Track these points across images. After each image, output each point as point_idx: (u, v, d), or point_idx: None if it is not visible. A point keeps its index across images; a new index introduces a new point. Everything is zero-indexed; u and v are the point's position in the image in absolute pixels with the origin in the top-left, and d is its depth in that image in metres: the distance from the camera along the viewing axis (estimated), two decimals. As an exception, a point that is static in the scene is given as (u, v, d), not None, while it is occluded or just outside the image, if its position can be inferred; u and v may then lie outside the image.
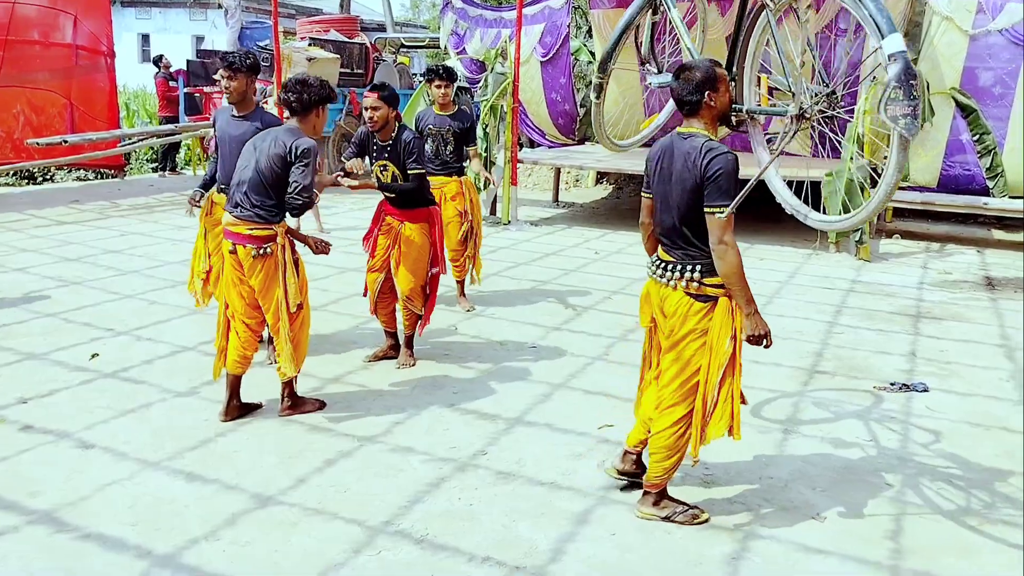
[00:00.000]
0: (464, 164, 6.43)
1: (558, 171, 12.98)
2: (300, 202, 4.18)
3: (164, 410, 4.46)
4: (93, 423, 4.23)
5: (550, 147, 13.20)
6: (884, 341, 5.98)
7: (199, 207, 5.33)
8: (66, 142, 11.15)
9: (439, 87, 6.12)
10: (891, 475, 3.90)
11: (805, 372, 5.28)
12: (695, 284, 3.28)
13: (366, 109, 5.00)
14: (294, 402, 4.46)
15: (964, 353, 5.74)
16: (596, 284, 7.50)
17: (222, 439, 4.11)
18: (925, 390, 4.98)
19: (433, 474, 3.80)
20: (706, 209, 3.19)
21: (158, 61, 14.25)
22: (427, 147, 6.07)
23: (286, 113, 4.32)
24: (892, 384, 5.05)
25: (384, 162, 5.08)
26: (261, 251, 4.20)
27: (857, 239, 8.85)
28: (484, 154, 10.53)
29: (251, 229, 4.20)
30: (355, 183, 4.93)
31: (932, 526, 3.47)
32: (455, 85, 6.29)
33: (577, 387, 4.94)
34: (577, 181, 14.48)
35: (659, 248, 3.48)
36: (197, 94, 13.50)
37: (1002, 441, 4.32)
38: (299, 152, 4.13)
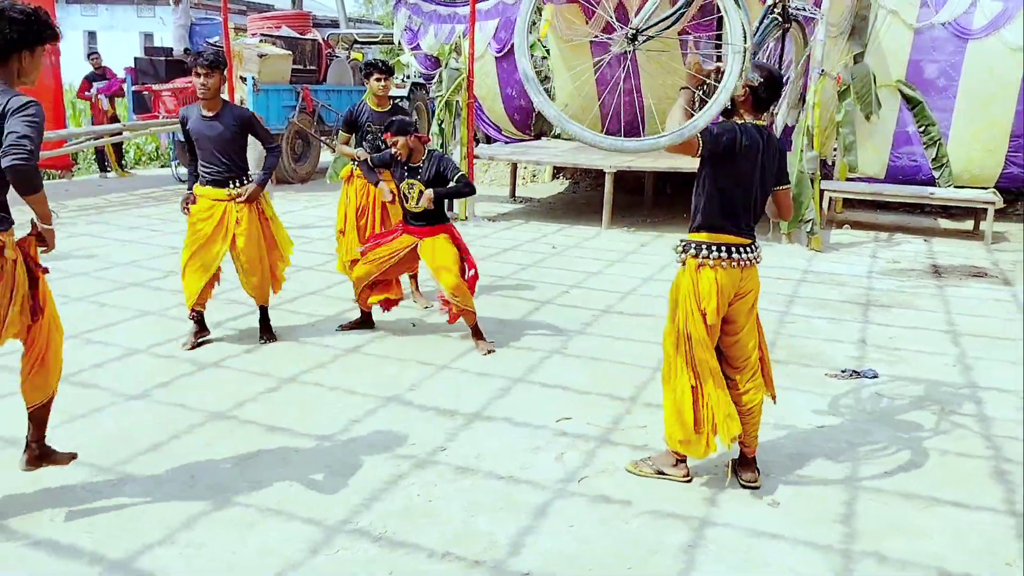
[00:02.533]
0: None
1: (515, 166, 13.00)
2: (23, 154, 2.88)
3: (116, 414, 4.38)
4: (42, 429, 4.13)
5: (506, 142, 13.21)
6: (835, 329, 6.10)
7: (188, 209, 5.38)
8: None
9: (379, 80, 6.12)
10: (842, 460, 3.99)
11: (759, 361, 5.35)
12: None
13: (392, 145, 5.35)
14: (43, 452, 3.52)
15: (912, 340, 5.87)
16: (554, 279, 7.53)
17: (176, 441, 4.05)
18: (875, 376, 5.09)
19: (391, 471, 3.79)
20: (783, 187, 3.74)
21: (91, 57, 13.67)
22: (366, 143, 6.15)
23: None
24: (843, 371, 5.15)
25: (412, 181, 5.39)
26: None
27: (808, 230, 9.00)
28: (440, 150, 10.50)
29: None
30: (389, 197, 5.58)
31: (882, 509, 3.55)
32: (393, 79, 6.40)
33: (535, 381, 4.96)
34: (534, 176, 14.51)
35: (726, 235, 3.61)
36: (146, 92, 13.25)
37: (949, 425, 4.43)
38: (17, 104, 2.95)
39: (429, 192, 5.29)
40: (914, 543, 3.28)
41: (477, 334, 5.52)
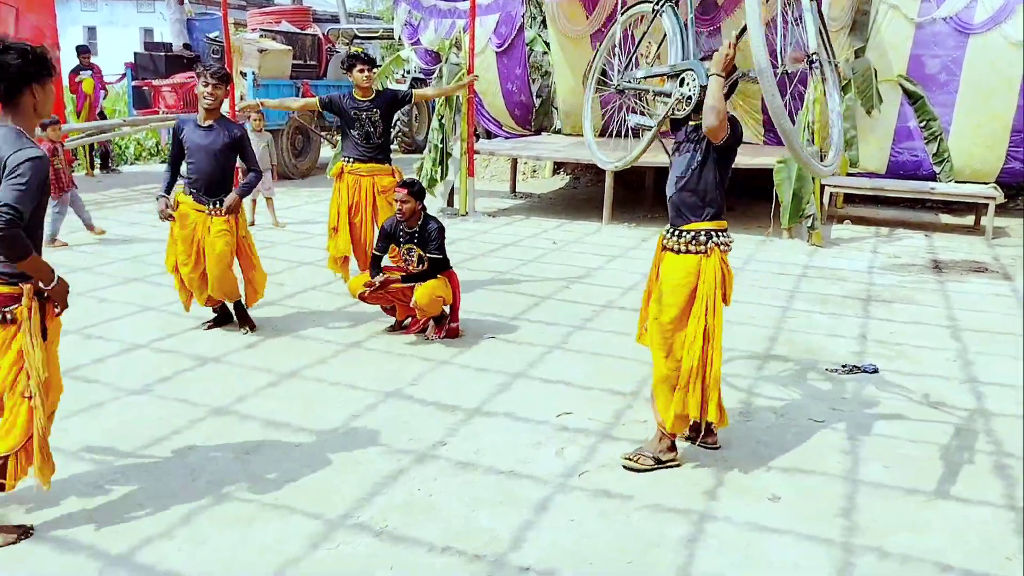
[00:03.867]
0: (392, 146, 6.69)
1: (515, 162, 12.99)
2: (0, 224, 2.83)
3: (117, 409, 4.38)
4: (43, 424, 4.13)
5: (507, 138, 13.20)
6: (836, 324, 6.09)
7: (172, 216, 5.38)
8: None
9: (362, 71, 6.12)
10: (843, 455, 3.99)
11: (759, 356, 5.36)
12: None
13: (396, 202, 5.46)
14: None
15: (912, 335, 5.87)
16: (554, 274, 7.53)
17: (177, 436, 4.05)
18: (875, 371, 5.09)
19: (392, 466, 3.79)
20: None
21: (79, 53, 13.43)
22: (355, 132, 6.15)
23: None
24: (843, 366, 5.15)
25: (411, 246, 5.54)
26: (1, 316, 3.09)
27: (809, 225, 8.99)
28: (440, 145, 10.50)
29: None
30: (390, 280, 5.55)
31: (883, 504, 3.55)
32: (375, 70, 6.52)
33: (535, 376, 4.96)
34: (534, 172, 14.50)
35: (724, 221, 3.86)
36: (146, 88, 13.23)
37: (949, 419, 4.43)
38: (13, 164, 2.91)
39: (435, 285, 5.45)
40: (915, 538, 3.29)
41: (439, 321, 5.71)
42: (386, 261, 5.83)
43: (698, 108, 3.69)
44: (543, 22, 13.29)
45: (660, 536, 3.26)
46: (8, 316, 3.06)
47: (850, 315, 6.35)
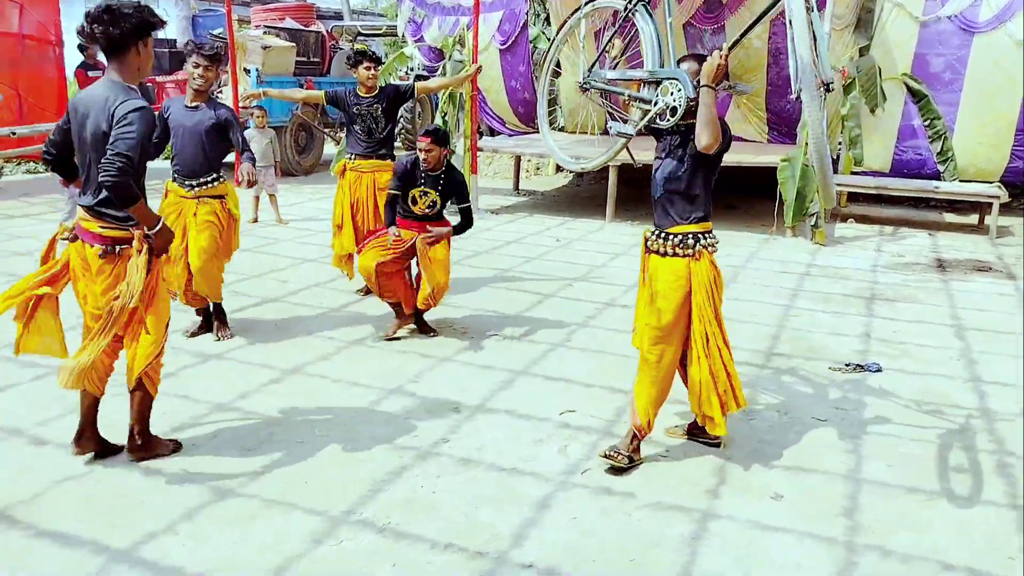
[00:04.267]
0: (396, 143, 6.66)
1: (518, 159, 12.98)
2: (113, 172, 3.12)
3: (119, 405, 4.38)
4: (47, 419, 4.15)
5: (510, 135, 13.19)
6: (839, 323, 6.09)
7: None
8: (15, 134, 10.87)
9: (368, 68, 6.13)
10: (846, 454, 3.98)
11: (762, 355, 5.35)
12: None
13: (421, 151, 5.32)
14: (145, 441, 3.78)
15: (916, 333, 5.86)
16: (557, 271, 7.53)
17: (179, 433, 4.05)
18: (879, 370, 5.08)
19: (394, 463, 3.79)
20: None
21: (82, 49, 13.35)
22: (357, 128, 6.16)
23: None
24: (847, 365, 5.15)
25: (426, 188, 5.41)
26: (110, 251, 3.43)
27: (813, 224, 8.98)
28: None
29: (102, 228, 3.42)
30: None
31: (886, 503, 3.54)
32: (380, 67, 6.55)
33: (538, 374, 4.96)
34: (538, 169, 14.49)
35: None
36: (149, 84, 13.24)
37: (952, 419, 4.42)
38: (121, 114, 3.18)
39: (448, 231, 5.41)
40: (917, 537, 3.28)
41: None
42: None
43: (684, 116, 3.65)
44: (547, 19, 13.28)
45: (662, 534, 3.26)
46: (117, 251, 3.42)
47: (853, 314, 6.35)
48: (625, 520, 3.36)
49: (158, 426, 4.11)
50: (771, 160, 9.52)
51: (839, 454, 3.98)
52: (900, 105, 10.12)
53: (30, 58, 12.30)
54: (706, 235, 3.73)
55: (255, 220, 9.28)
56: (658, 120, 3.75)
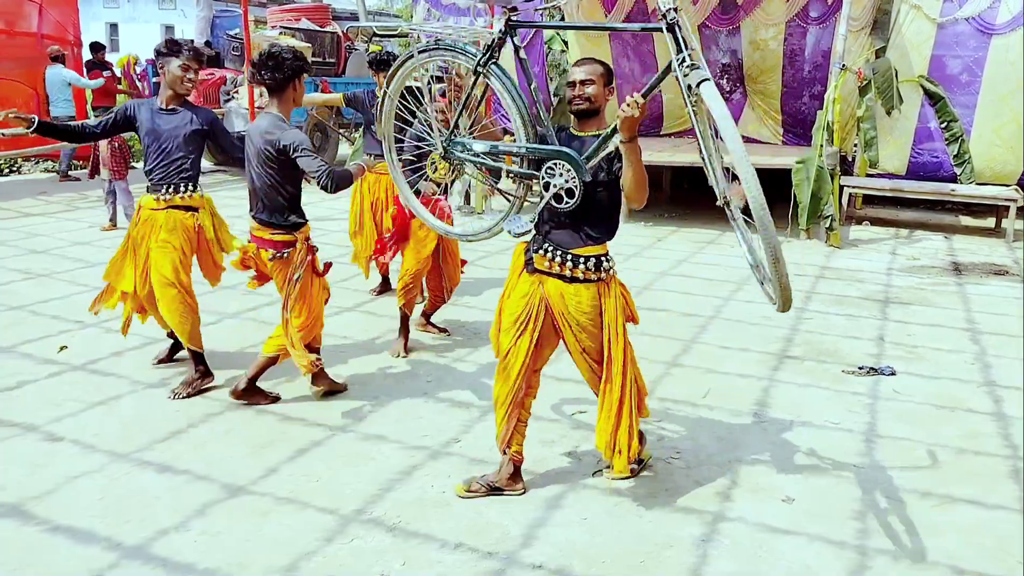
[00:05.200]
0: None
1: (532, 160, 12.97)
2: (324, 184, 3.93)
3: (134, 402, 4.43)
4: (61, 416, 4.19)
5: (524, 136, 13.17)
6: (853, 326, 6.06)
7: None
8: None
9: None
10: (858, 457, 3.96)
11: (774, 357, 5.33)
12: None
13: (439, 112, 5.22)
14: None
15: (931, 337, 5.83)
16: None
17: (193, 430, 4.08)
18: (892, 373, 5.06)
19: (405, 462, 3.80)
20: None
21: (94, 50, 13.41)
22: (375, 130, 6.13)
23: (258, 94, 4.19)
24: (860, 368, 5.12)
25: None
26: (280, 255, 4.24)
27: (827, 226, 8.93)
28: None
29: (272, 234, 4.21)
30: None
31: (898, 507, 3.53)
32: None
33: (550, 375, 4.93)
34: (551, 170, 14.48)
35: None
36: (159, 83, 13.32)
37: (966, 423, 4.39)
38: (292, 148, 3.97)
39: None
40: (929, 540, 3.26)
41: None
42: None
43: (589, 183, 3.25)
44: (561, 20, 13.25)
45: (672, 536, 3.26)
46: (284, 254, 4.21)
47: (867, 317, 6.31)
48: (635, 521, 3.36)
49: (170, 423, 4.15)
50: (786, 162, 9.48)
51: (851, 457, 3.96)
52: (916, 107, 10.05)
53: (48, 57, 12.40)
54: (607, 257, 3.42)
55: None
56: (554, 203, 3.28)
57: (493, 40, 3.36)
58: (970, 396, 4.76)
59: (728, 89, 12.16)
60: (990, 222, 10.28)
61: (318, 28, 14.34)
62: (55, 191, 11.22)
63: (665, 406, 4.51)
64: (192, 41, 13.22)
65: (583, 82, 3.30)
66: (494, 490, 3.51)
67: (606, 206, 3.37)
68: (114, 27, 34.10)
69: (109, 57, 13.75)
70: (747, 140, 11.94)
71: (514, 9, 3.27)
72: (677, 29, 2.89)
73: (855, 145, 10.24)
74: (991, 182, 9.94)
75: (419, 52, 3.59)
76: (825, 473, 3.80)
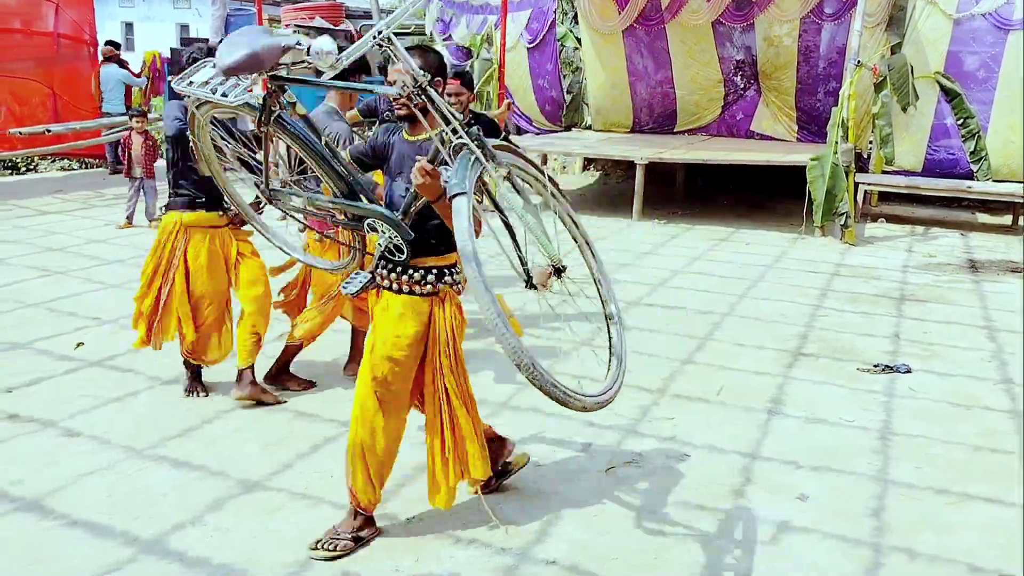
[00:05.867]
0: None
1: (545, 158, 12.96)
2: None
3: (149, 398, 4.45)
4: (78, 411, 4.22)
5: (537, 134, 13.19)
6: (868, 323, 6.02)
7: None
8: (49, 131, 11.06)
9: None
10: (873, 455, 3.94)
11: (789, 354, 5.31)
12: None
13: (450, 95, 5.12)
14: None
15: (947, 335, 5.78)
16: (582, 271, 7.48)
17: (208, 426, 4.11)
18: (908, 371, 5.03)
19: (418, 458, 3.80)
20: None
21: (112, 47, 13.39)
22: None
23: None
24: (876, 366, 5.09)
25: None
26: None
27: (842, 223, 8.89)
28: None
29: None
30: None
31: (913, 504, 3.50)
32: None
33: (564, 372, 4.95)
34: (564, 168, 14.47)
35: None
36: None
37: (983, 420, 4.36)
38: (330, 137, 4.07)
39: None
40: (945, 538, 3.24)
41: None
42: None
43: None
44: (575, 18, 13.24)
45: (686, 533, 3.25)
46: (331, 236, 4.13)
47: (883, 314, 6.27)
48: (649, 518, 3.35)
49: (184, 420, 4.17)
50: (800, 159, 9.43)
51: (866, 455, 3.94)
52: (933, 103, 9.97)
53: (65, 57, 12.50)
54: (452, 270, 3.13)
55: (285, 217, 9.37)
56: (388, 256, 3.03)
57: (264, 98, 2.88)
58: (987, 394, 4.72)
59: (742, 86, 12.12)
60: (1007, 219, 10.21)
61: (331, 26, 14.38)
62: (71, 189, 11.30)
63: (679, 403, 4.50)
64: (208, 40, 13.08)
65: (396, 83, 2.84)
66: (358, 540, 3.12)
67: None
68: (129, 26, 34.28)
69: (127, 55, 13.83)
70: (762, 137, 11.91)
71: (272, 71, 2.73)
72: (433, 99, 2.61)
73: (870, 142, 10.18)
74: (1008, 179, 9.85)
75: (196, 108, 3.10)
76: (840, 471, 3.78)
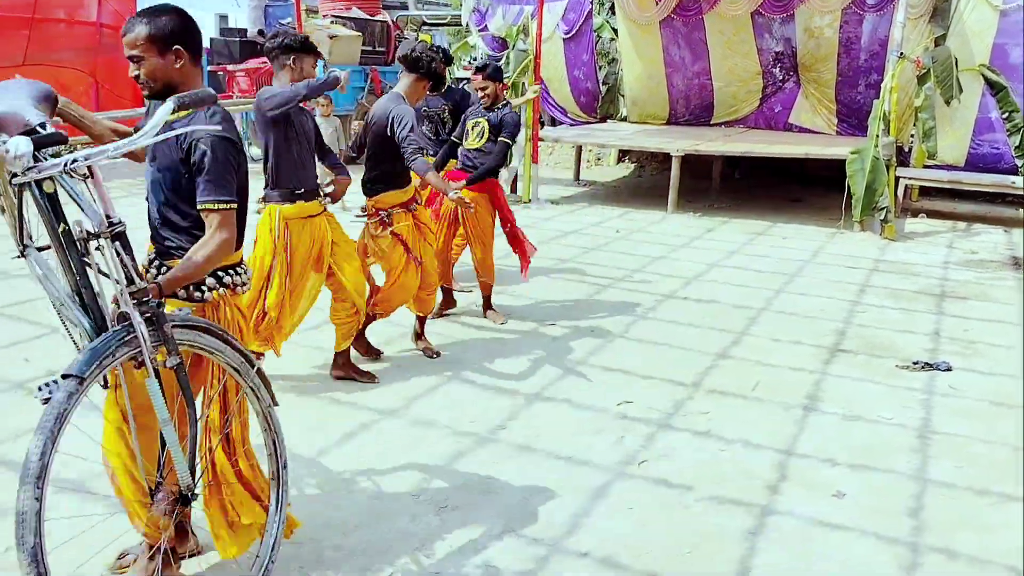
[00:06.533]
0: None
1: (579, 149, 12.93)
2: (411, 158, 4.49)
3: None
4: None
5: (571, 125, 13.14)
6: (908, 320, 5.93)
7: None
8: (91, 120, 11.24)
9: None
10: (912, 453, 3.89)
11: (827, 350, 5.25)
12: None
13: (477, 90, 5.54)
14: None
15: (988, 332, 5.68)
16: (617, 263, 7.48)
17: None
18: (948, 369, 4.94)
19: (452, 448, 3.83)
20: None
21: None
22: (426, 129, 6.15)
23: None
24: (915, 363, 5.01)
25: (481, 120, 5.53)
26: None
27: (882, 218, 8.75)
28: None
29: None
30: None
31: (951, 503, 3.45)
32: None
33: (596, 364, 4.94)
34: (599, 159, 14.41)
35: None
36: (220, 72, 13.54)
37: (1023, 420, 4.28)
38: (394, 117, 4.53)
39: (460, 185, 5.18)
40: (985, 539, 3.19)
41: (489, 303, 5.77)
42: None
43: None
44: (611, 8, 13.15)
45: (719, 528, 3.23)
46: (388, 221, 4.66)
47: (923, 311, 6.17)
48: (683, 512, 3.34)
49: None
50: (840, 152, 9.30)
51: (905, 453, 3.89)
52: (977, 97, 9.76)
53: (107, 47, 12.68)
54: (233, 271, 2.73)
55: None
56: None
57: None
58: (1030, 393, 4.64)
59: (781, 78, 11.97)
60: (1053, 215, 9.98)
61: (368, 17, 14.44)
62: (111, 177, 11.47)
63: (714, 397, 4.47)
64: (246, 31, 13.13)
65: (132, 59, 2.58)
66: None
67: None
68: (169, 16, 34.72)
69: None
70: (800, 130, 11.76)
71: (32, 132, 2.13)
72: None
73: (911, 136, 10.00)
74: (1054, 174, 9.62)
75: None
76: (878, 469, 3.73)
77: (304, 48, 4.18)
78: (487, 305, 5.75)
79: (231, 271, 2.72)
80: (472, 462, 3.70)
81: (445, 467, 3.64)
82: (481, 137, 5.49)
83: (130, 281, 2.24)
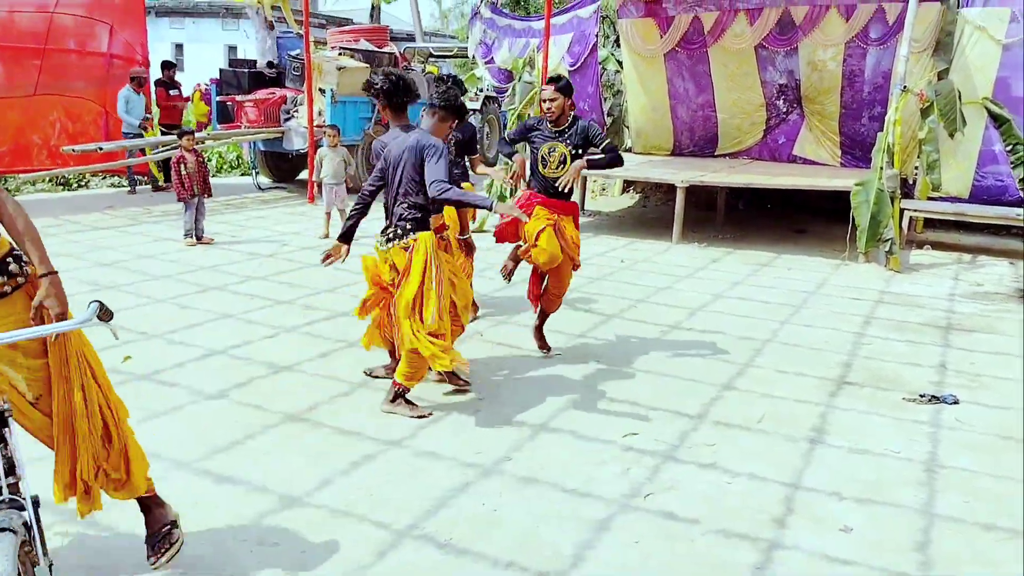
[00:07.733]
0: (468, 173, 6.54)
1: (584, 179, 12.99)
2: (438, 190, 4.34)
3: (194, 412, 4.53)
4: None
5: (577, 156, 13.20)
6: (913, 352, 5.92)
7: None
8: (101, 149, 11.36)
9: None
10: (919, 487, 3.87)
11: (833, 382, 5.24)
12: None
13: (544, 101, 5.21)
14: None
15: (994, 365, 5.67)
16: (622, 292, 7.50)
17: (251, 441, 4.16)
18: (955, 402, 4.93)
19: (458, 479, 3.82)
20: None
21: (164, 68, 13.53)
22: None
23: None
24: (921, 396, 5.00)
25: (554, 143, 5.24)
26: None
27: (887, 250, 8.77)
28: (510, 162, 10.58)
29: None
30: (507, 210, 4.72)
31: (959, 538, 3.43)
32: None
33: (601, 395, 4.94)
34: (604, 190, 14.48)
35: None
36: (229, 103, 13.68)
37: (1033, 454, 4.26)
38: (428, 149, 4.45)
39: (580, 162, 5.14)
40: (991, 572, 3.17)
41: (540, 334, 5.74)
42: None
43: None
44: (616, 41, 13.30)
45: (726, 562, 3.21)
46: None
47: (929, 343, 6.17)
48: (688, 546, 3.33)
49: (231, 434, 4.23)
50: (844, 184, 9.35)
51: (912, 487, 3.87)
52: (980, 130, 9.83)
53: (117, 77, 12.83)
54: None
55: (326, 235, 9.48)
56: None
57: None
58: (1037, 427, 4.62)
59: (785, 110, 12.05)
60: (1058, 248, 9.98)
61: (376, 49, 14.59)
62: (121, 206, 11.56)
63: (719, 429, 4.46)
64: (256, 62, 13.29)
65: None
66: None
67: None
68: (179, 47, 35.08)
69: (177, 76, 14.13)
70: (804, 161, 11.81)
71: None
72: None
73: (916, 168, 10.05)
74: (1059, 207, 9.65)
75: None
76: (885, 503, 3.71)
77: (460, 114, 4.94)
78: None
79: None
80: (477, 494, 3.69)
81: (450, 499, 3.64)
82: (564, 163, 5.20)
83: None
